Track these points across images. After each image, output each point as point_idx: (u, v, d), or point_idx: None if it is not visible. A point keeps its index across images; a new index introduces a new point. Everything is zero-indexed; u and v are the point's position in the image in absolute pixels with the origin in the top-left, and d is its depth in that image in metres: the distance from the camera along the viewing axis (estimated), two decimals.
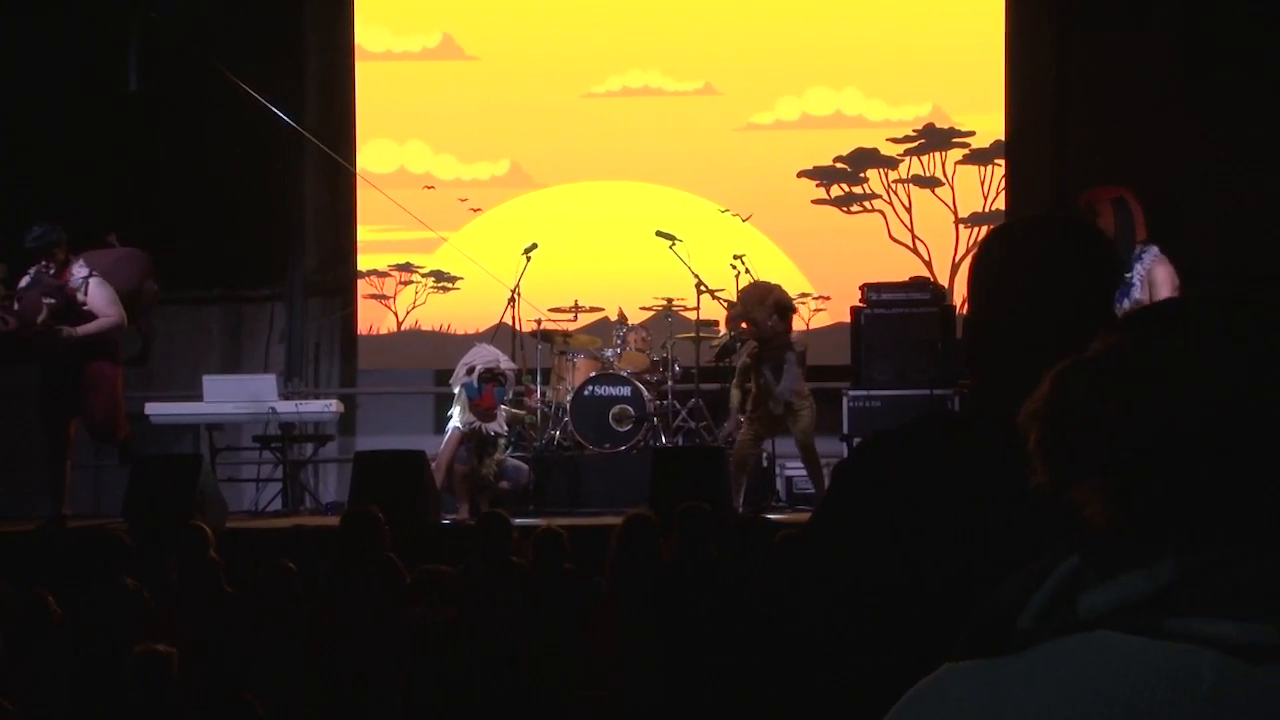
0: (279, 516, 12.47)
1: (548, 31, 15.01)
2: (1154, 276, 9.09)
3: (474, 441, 11.82)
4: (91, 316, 10.98)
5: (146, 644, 7.27)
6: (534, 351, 12.98)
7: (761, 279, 12.04)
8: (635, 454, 12.31)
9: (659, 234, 12.89)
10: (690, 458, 11.47)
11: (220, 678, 7.64)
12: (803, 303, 14.67)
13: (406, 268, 15.06)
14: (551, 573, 8.44)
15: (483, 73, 15.09)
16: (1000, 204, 14.64)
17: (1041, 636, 1.35)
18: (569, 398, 12.57)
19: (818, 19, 14.88)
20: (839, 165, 14.81)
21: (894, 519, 2.26)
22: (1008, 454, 1.89)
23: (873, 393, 11.84)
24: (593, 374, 12.72)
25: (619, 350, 12.97)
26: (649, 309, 13.72)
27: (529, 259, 12.87)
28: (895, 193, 14.79)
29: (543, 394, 12.91)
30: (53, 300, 10.85)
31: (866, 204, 14.81)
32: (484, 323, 13.89)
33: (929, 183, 14.76)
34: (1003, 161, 14.66)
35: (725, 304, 12.59)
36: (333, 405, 13.26)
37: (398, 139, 15.12)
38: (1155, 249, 9.21)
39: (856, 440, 11.43)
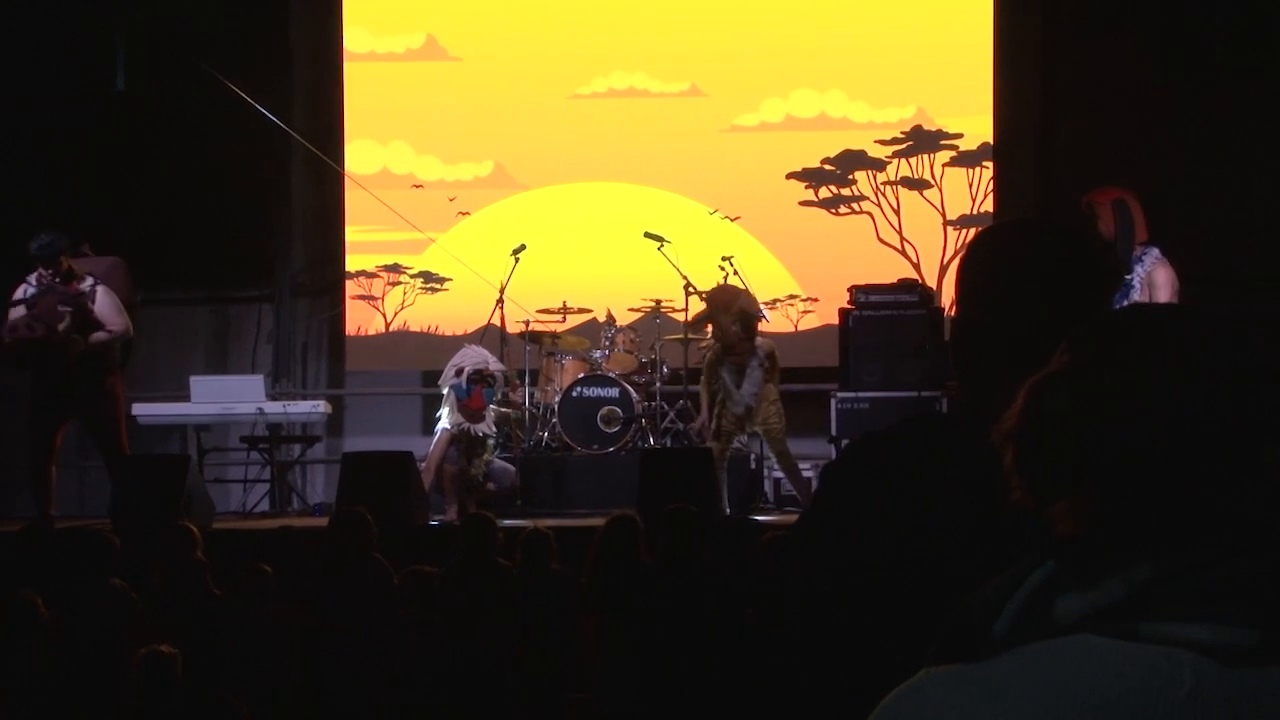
0: (266, 517, 12.46)
1: (532, 33, 15.00)
2: (1154, 278, 9.07)
3: (463, 442, 11.81)
4: (99, 325, 11.02)
5: (152, 645, 7.27)
6: (522, 353, 12.97)
7: (731, 284, 12.03)
8: (623, 455, 12.31)
9: (647, 235, 12.89)
10: (678, 459, 11.47)
11: (205, 679, 7.62)
12: (791, 304, 14.69)
13: (395, 269, 15.04)
14: (538, 574, 8.43)
15: (466, 74, 15.08)
16: (988, 206, 14.65)
17: (1017, 642, 1.36)
18: (557, 399, 12.57)
19: (804, 21, 14.88)
20: (827, 167, 14.82)
21: (882, 520, 2.26)
22: (995, 455, 1.89)
23: (861, 394, 11.84)
24: (581, 375, 12.72)
25: (607, 352, 12.97)
26: (637, 310, 13.72)
27: (517, 260, 12.87)
28: (883, 195, 14.80)
29: (531, 395, 12.90)
30: (69, 308, 10.90)
31: (855, 206, 14.82)
32: (472, 324, 13.88)
33: (917, 185, 14.77)
34: (990, 164, 14.68)
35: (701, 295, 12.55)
36: (320, 406, 13.25)
37: (380, 140, 15.11)
38: (1156, 251, 9.19)
39: (845, 442, 11.45)
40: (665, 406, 12.72)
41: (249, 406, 12.81)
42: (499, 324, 12.86)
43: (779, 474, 12.47)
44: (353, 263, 15.07)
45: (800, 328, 14.67)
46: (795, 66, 14.88)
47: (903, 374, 11.72)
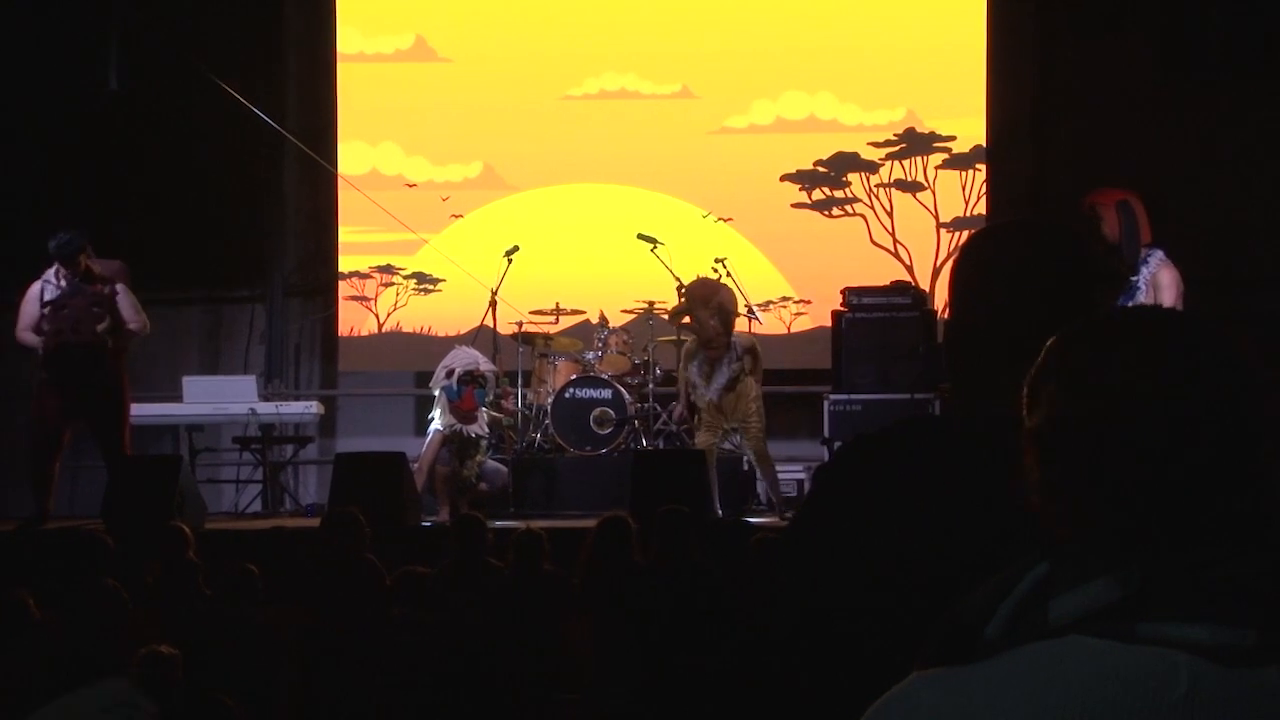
0: (259, 518, 12.45)
1: (523, 34, 15.00)
2: (1159, 280, 9.05)
3: (455, 444, 11.81)
4: (124, 325, 11.10)
5: (152, 645, 7.26)
6: (515, 354, 12.97)
7: (711, 278, 12.04)
8: (616, 456, 12.31)
9: (640, 237, 12.88)
10: (671, 460, 11.48)
11: (198, 679, 7.61)
12: (783, 306, 14.69)
13: (387, 269, 15.04)
14: (531, 574, 8.43)
15: (456, 75, 15.07)
16: (981, 208, 14.66)
17: (1010, 644, 1.36)
18: (550, 400, 12.57)
19: (796, 23, 14.89)
20: (821, 169, 14.82)
21: (875, 522, 2.26)
22: (989, 457, 1.88)
23: (854, 397, 11.85)
24: (574, 376, 12.72)
25: (600, 353, 12.97)
26: (630, 312, 13.72)
27: (510, 261, 12.87)
28: (876, 197, 14.80)
29: (523, 396, 12.90)
30: (99, 309, 10.96)
31: (848, 208, 14.83)
32: (465, 325, 13.88)
33: (910, 187, 14.78)
34: (983, 166, 14.68)
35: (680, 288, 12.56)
36: (313, 407, 13.25)
37: (370, 140, 15.10)
38: (1160, 252, 9.17)
39: (837, 444, 11.45)
40: (658, 408, 12.72)
41: (241, 407, 12.82)
42: (492, 325, 12.86)
43: None
44: (346, 263, 15.06)
45: (793, 330, 14.67)
46: (787, 68, 14.89)
47: (896, 376, 11.73)
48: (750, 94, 14.91)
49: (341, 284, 15.04)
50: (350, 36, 15.16)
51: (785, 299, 14.68)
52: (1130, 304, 8.64)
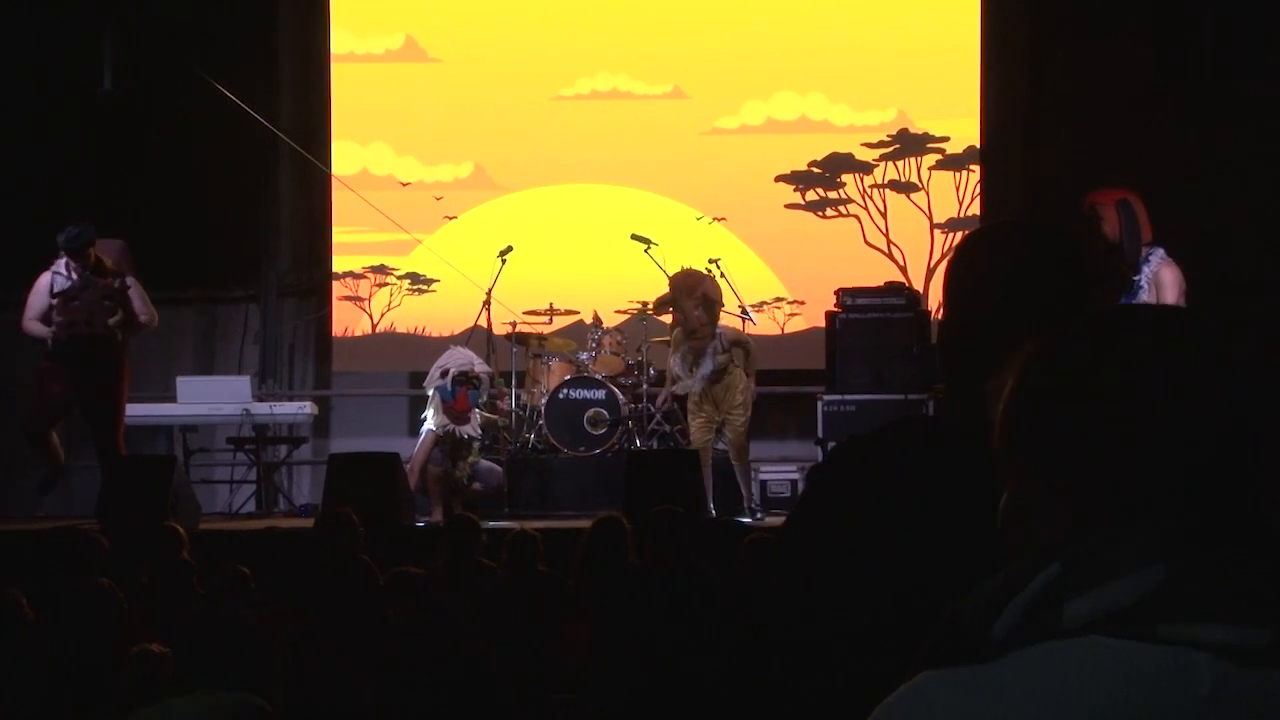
0: (253, 518, 12.45)
1: (513, 35, 14.99)
2: (1161, 279, 9.04)
3: (448, 444, 11.81)
4: (135, 318, 11.14)
5: (143, 644, 7.26)
6: (509, 354, 12.97)
7: (696, 269, 12.05)
8: (609, 457, 12.31)
9: (634, 237, 12.89)
10: (664, 461, 11.48)
11: (190, 680, 7.61)
12: (777, 307, 14.69)
13: (381, 270, 15.03)
14: (524, 575, 8.43)
15: (446, 75, 15.07)
16: (975, 209, 14.67)
17: (1020, 644, 1.35)
18: (544, 401, 12.56)
19: (789, 24, 14.89)
20: (815, 170, 14.82)
21: (869, 523, 2.27)
22: (982, 458, 1.89)
23: (847, 397, 11.85)
24: (567, 377, 12.72)
25: (594, 353, 12.97)
26: (624, 312, 13.72)
27: (504, 262, 12.87)
28: (870, 198, 14.81)
29: (517, 397, 12.90)
30: (111, 302, 10.99)
31: (841, 209, 14.83)
32: (459, 325, 13.87)
33: (904, 188, 14.78)
34: (977, 167, 14.69)
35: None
36: (307, 407, 13.25)
37: (360, 141, 15.09)
38: (1161, 251, 9.16)
39: (831, 444, 11.45)
40: (652, 408, 12.72)
41: (235, 407, 12.81)
42: (486, 326, 12.85)
43: (765, 475, 12.48)
44: (339, 264, 15.05)
45: (787, 330, 14.68)
46: (779, 69, 14.89)
47: (889, 377, 11.73)
48: (742, 94, 14.91)
49: (335, 284, 15.03)
50: (341, 37, 15.15)
51: (779, 299, 14.68)
52: (1133, 303, 8.65)
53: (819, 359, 12.45)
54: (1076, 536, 1.39)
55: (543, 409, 12.55)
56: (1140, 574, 1.35)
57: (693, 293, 11.57)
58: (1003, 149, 14.54)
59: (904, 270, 14.56)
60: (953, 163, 14.73)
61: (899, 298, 12.27)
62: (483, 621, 8.15)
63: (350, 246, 15.03)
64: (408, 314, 15.01)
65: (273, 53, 14.90)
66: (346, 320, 15.07)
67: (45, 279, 11.17)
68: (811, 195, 14.83)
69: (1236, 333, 1.43)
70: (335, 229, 15.01)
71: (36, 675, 7.78)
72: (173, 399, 12.94)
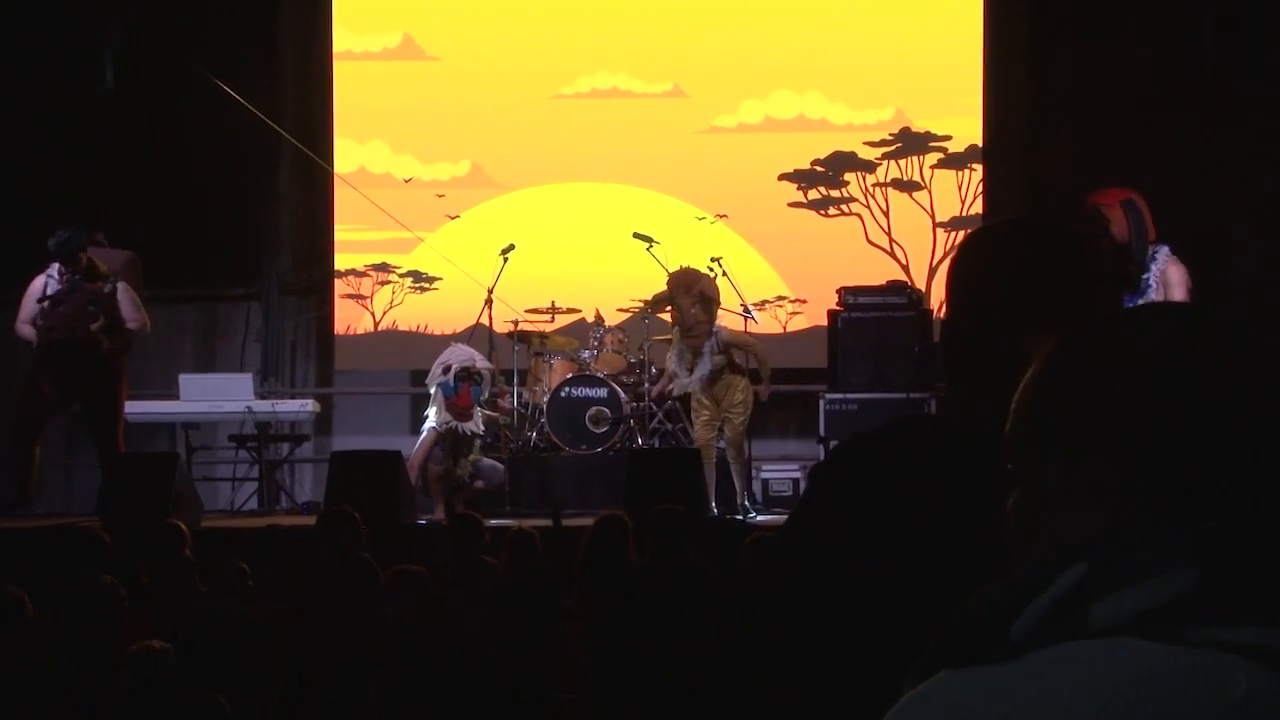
0: (254, 516, 12.44)
1: (511, 34, 14.99)
2: (1169, 277, 9.04)
3: (449, 441, 11.80)
4: (122, 323, 11.10)
5: (145, 641, 7.27)
6: (510, 353, 12.96)
7: (693, 268, 12.06)
8: (611, 455, 12.30)
9: (636, 236, 12.88)
10: (666, 460, 11.48)
11: (191, 678, 7.62)
12: (779, 306, 14.69)
13: (383, 268, 15.03)
14: (524, 574, 8.43)
15: (444, 73, 15.06)
16: (978, 208, 14.66)
17: (1042, 644, 1.33)
18: (545, 399, 12.56)
19: (789, 22, 14.88)
20: (818, 169, 14.82)
21: (871, 521, 2.26)
22: (984, 457, 1.88)
23: (849, 396, 11.85)
24: (569, 375, 12.71)
25: (596, 352, 12.96)
26: (626, 311, 13.71)
27: (506, 260, 12.86)
28: (873, 196, 14.81)
29: (519, 395, 12.89)
30: (95, 308, 10.96)
31: (844, 207, 14.83)
32: (461, 323, 13.87)
33: (907, 186, 14.78)
34: (979, 166, 14.68)
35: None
36: (309, 405, 13.24)
37: (358, 139, 15.09)
38: (1166, 249, 9.15)
39: (833, 443, 11.45)
40: (653, 407, 12.71)
41: (237, 405, 12.81)
42: (487, 324, 12.85)
43: (767, 474, 12.48)
44: (341, 261, 15.05)
45: (789, 329, 14.67)
46: (779, 68, 14.88)
47: (891, 375, 11.73)
48: (742, 93, 14.91)
49: (337, 282, 15.03)
50: (339, 35, 15.14)
51: (781, 298, 14.68)
52: (1141, 302, 8.64)
53: (821, 357, 12.45)
54: (1105, 536, 1.37)
55: (544, 407, 12.54)
56: (1172, 575, 1.33)
57: (690, 291, 11.59)
58: (1005, 148, 14.54)
59: (906, 269, 14.55)
60: (955, 161, 14.73)
61: (901, 296, 12.27)
62: (484, 620, 8.15)
63: (352, 244, 15.03)
64: (409, 312, 15.01)
65: (274, 50, 14.89)
66: (348, 318, 15.07)
67: (38, 282, 11.18)
68: (814, 194, 14.83)
69: (1265, 331, 1.42)
70: (337, 227, 15.01)
71: (39, 672, 7.79)
72: (175, 396, 12.94)
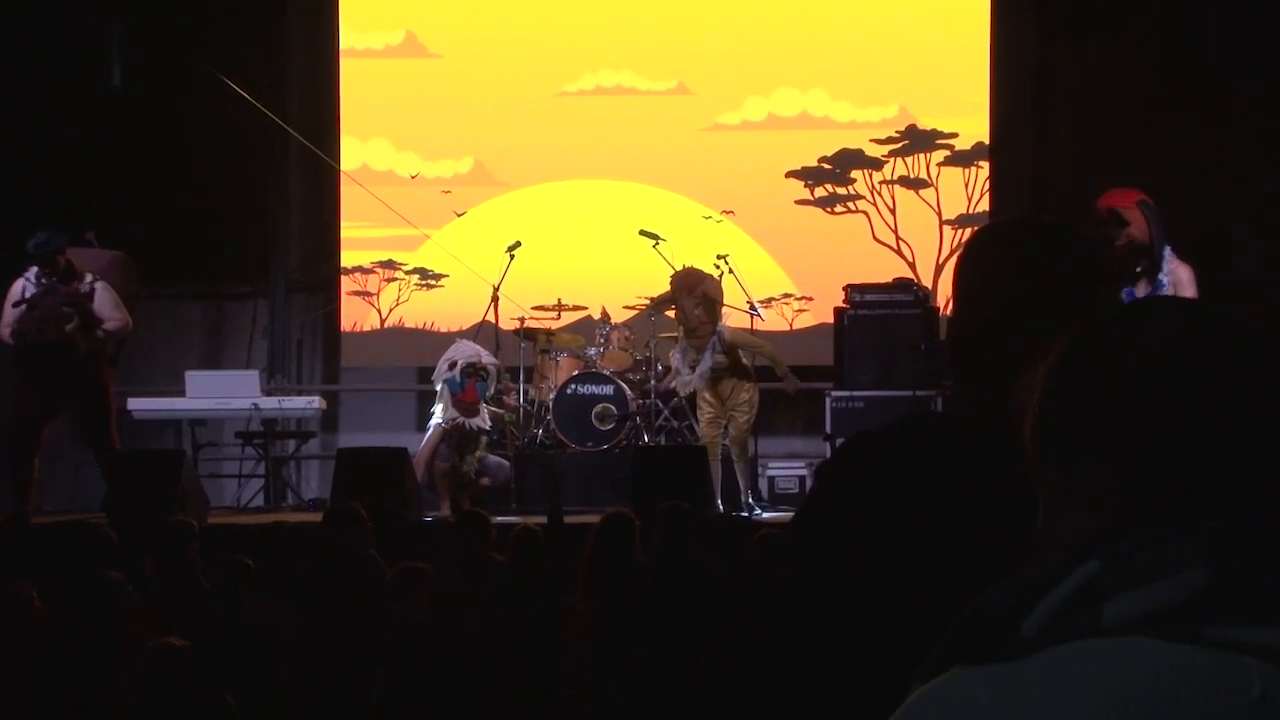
0: (261, 513, 12.45)
1: (514, 31, 14.98)
2: (1178, 276, 9.02)
3: (455, 438, 11.81)
4: (99, 323, 11.04)
5: (161, 638, 7.27)
6: (516, 350, 12.96)
7: (697, 268, 12.06)
8: (617, 453, 12.30)
9: (643, 233, 12.89)
10: (671, 457, 11.48)
11: (195, 674, 7.62)
12: (786, 303, 14.68)
13: (390, 265, 15.03)
14: (531, 571, 8.43)
15: (447, 71, 15.06)
16: (985, 205, 14.65)
17: (1053, 642, 1.32)
18: (551, 396, 12.56)
19: (795, 19, 14.87)
20: (825, 166, 14.81)
21: (877, 519, 2.26)
22: (991, 455, 1.87)
23: (855, 393, 11.85)
24: (575, 372, 12.71)
25: (602, 349, 12.96)
26: (632, 308, 13.71)
27: (513, 257, 12.86)
28: (880, 194, 14.80)
29: (525, 392, 12.89)
30: (72, 309, 10.92)
31: (850, 205, 14.82)
32: (467, 320, 13.88)
33: (913, 184, 14.77)
34: (986, 163, 14.67)
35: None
36: (315, 402, 13.25)
37: (360, 136, 15.09)
38: (1169, 248, 9.16)
39: (839, 440, 11.45)
40: (659, 404, 12.72)
41: (244, 402, 12.81)
42: (494, 321, 12.86)
43: (773, 472, 12.48)
44: (348, 258, 15.05)
45: (795, 326, 14.67)
46: (784, 65, 14.87)
47: (898, 373, 11.73)
48: (745, 90, 14.90)
49: (344, 279, 15.03)
50: (342, 32, 15.15)
51: (787, 296, 14.67)
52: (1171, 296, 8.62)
53: (827, 355, 12.44)
54: (1117, 534, 1.36)
55: (550, 404, 12.55)
56: (1185, 575, 1.32)
57: (693, 291, 11.61)
58: (1011, 145, 14.53)
59: (913, 266, 14.54)
60: (962, 159, 14.71)
61: (907, 294, 12.26)
62: (489, 617, 8.15)
63: (358, 241, 15.03)
64: (416, 309, 15.01)
65: (281, 48, 14.89)
66: (355, 315, 15.07)
67: (16, 287, 11.10)
68: (821, 191, 14.83)
69: (1267, 331, 1.41)
70: (343, 224, 15.01)
71: (46, 668, 7.79)
72: (181, 393, 12.95)
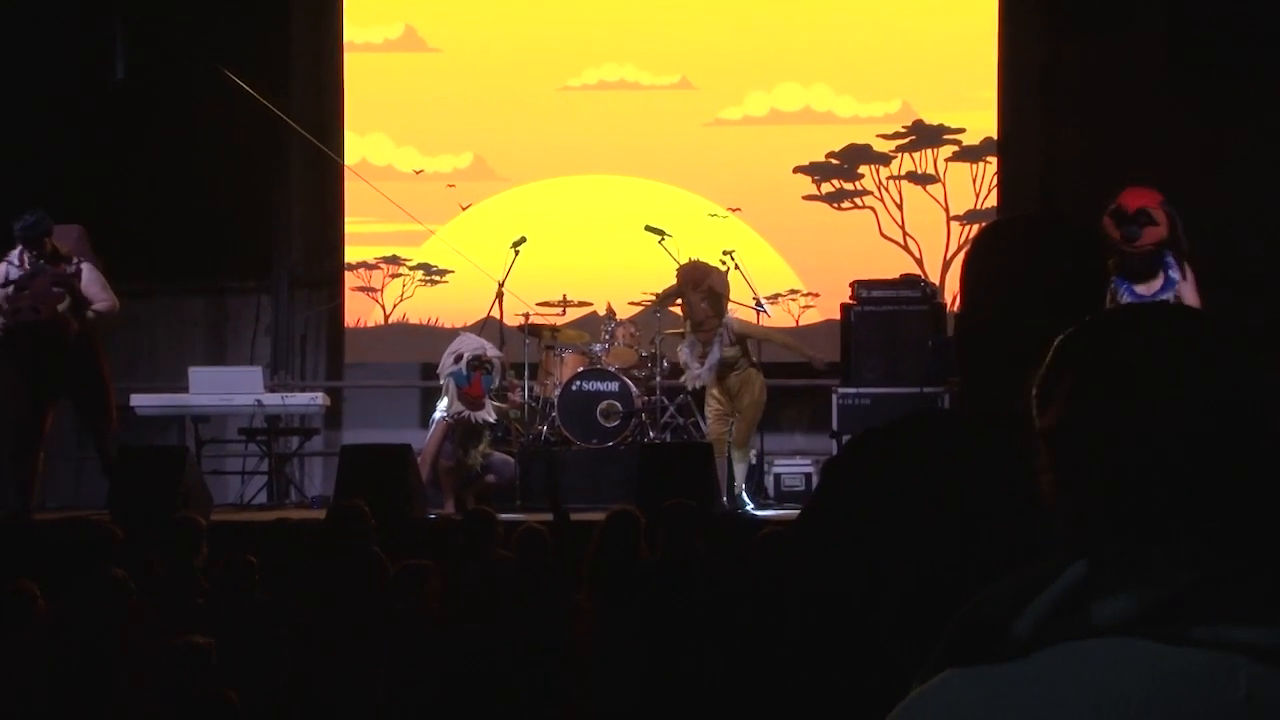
0: (264, 509, 12.45)
1: (515, 25, 14.98)
2: (1184, 275, 9.07)
3: (460, 431, 11.79)
4: (88, 304, 11.03)
5: (188, 636, 7.27)
6: (521, 346, 12.95)
7: (703, 261, 12.06)
8: (622, 450, 12.28)
9: (648, 229, 12.88)
10: (677, 454, 11.47)
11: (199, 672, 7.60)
12: (792, 299, 14.68)
13: (394, 260, 15.02)
14: (536, 568, 8.42)
15: (446, 65, 15.05)
16: (992, 201, 14.63)
17: (1045, 643, 1.33)
18: (556, 393, 12.54)
19: (800, 14, 14.86)
20: (833, 161, 14.80)
21: (883, 516, 2.24)
22: (998, 452, 1.85)
23: (862, 390, 11.84)
24: (580, 369, 12.70)
25: (607, 345, 12.94)
26: (638, 304, 13.70)
27: (517, 253, 12.84)
28: (887, 190, 14.78)
29: (530, 389, 12.88)
30: (61, 289, 10.92)
31: (857, 200, 14.80)
32: (472, 316, 13.87)
33: (921, 179, 14.75)
34: (994, 159, 14.65)
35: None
36: (319, 398, 13.25)
37: (359, 131, 15.08)
38: (1170, 253, 9.17)
39: (846, 437, 11.44)
40: (665, 401, 12.70)
41: (247, 398, 12.80)
42: (498, 317, 12.85)
43: (779, 469, 12.47)
44: (351, 254, 15.05)
45: (802, 323, 14.65)
46: (788, 59, 14.86)
47: (904, 370, 11.72)
48: (749, 85, 14.90)
49: (347, 275, 15.03)
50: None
51: (794, 292, 14.66)
52: (1161, 301, 8.67)
53: (834, 352, 12.43)
54: (1104, 536, 1.37)
55: (555, 401, 12.53)
56: (1172, 575, 1.33)
57: (699, 286, 11.61)
58: (1019, 141, 14.50)
59: (920, 262, 14.52)
60: (969, 154, 14.70)
61: (915, 290, 12.26)
62: (493, 614, 8.13)
63: (362, 237, 15.03)
64: (420, 305, 15.01)
65: (285, 42, 14.89)
66: (359, 311, 15.07)
67: (1, 270, 11.09)
68: (828, 187, 14.81)
69: (1264, 333, 1.41)
70: (347, 220, 15.00)
71: (49, 666, 7.77)
72: (185, 389, 12.94)
